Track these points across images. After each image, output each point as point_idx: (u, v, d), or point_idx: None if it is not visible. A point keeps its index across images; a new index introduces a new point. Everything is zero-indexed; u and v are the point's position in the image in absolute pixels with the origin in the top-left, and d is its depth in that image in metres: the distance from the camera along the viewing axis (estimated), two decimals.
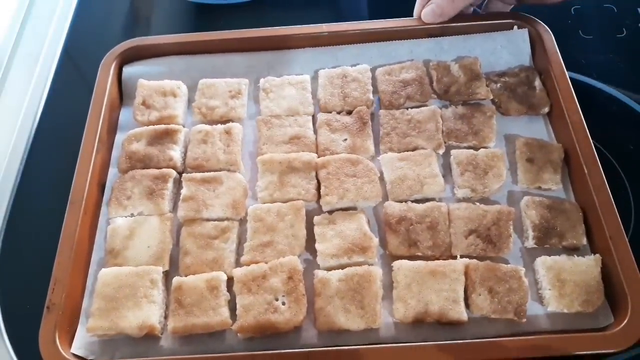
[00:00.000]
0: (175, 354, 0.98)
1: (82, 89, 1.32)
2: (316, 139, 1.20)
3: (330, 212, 1.10)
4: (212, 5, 1.56)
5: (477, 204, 1.09)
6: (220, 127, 1.21)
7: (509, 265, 1.02)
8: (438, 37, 1.31)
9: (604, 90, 1.33)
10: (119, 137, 1.24)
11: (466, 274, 1.01)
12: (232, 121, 1.24)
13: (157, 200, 1.12)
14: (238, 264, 1.07)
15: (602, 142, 1.20)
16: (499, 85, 1.25)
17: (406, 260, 1.02)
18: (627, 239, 1.00)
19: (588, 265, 1.00)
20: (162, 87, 1.27)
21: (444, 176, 1.13)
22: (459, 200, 1.12)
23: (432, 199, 1.11)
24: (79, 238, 1.06)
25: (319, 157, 1.16)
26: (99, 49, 1.33)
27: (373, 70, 1.28)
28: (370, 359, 0.93)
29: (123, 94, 1.31)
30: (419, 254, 1.04)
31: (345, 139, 1.19)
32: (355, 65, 1.29)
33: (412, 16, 1.31)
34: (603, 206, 1.03)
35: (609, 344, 0.92)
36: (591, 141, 1.10)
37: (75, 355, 0.97)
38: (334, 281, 1.00)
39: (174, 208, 1.15)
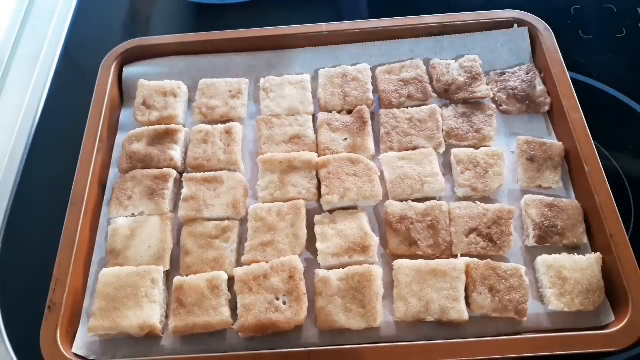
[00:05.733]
0: (176, 354, 0.99)
1: (82, 89, 1.31)
2: (316, 138, 1.20)
3: (331, 211, 1.10)
4: (212, 5, 1.56)
5: (478, 202, 1.09)
6: (220, 126, 1.22)
7: (509, 264, 1.02)
8: (438, 36, 1.31)
9: (604, 90, 1.33)
10: (120, 138, 1.25)
11: (467, 272, 1.01)
12: (233, 121, 1.24)
13: (157, 200, 1.12)
14: (239, 263, 1.07)
15: (602, 142, 1.20)
16: (499, 83, 1.25)
17: (407, 260, 1.02)
18: (627, 238, 1.00)
19: (589, 263, 1.00)
20: (163, 87, 1.27)
21: (444, 175, 1.13)
22: (460, 199, 1.12)
23: (433, 198, 1.12)
24: (80, 238, 1.07)
25: (319, 157, 1.16)
26: (99, 49, 1.33)
27: (373, 69, 1.29)
28: (371, 358, 0.93)
29: (124, 94, 1.31)
30: (420, 253, 1.04)
31: (346, 139, 1.19)
32: (355, 65, 1.29)
33: (412, 15, 1.31)
34: (604, 205, 1.03)
35: (610, 343, 0.92)
36: (592, 139, 1.11)
37: (76, 355, 0.98)
38: (334, 280, 1.00)
39: (175, 208, 1.15)
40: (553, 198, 1.09)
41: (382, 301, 0.99)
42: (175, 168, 1.18)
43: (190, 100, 1.29)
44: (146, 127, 1.22)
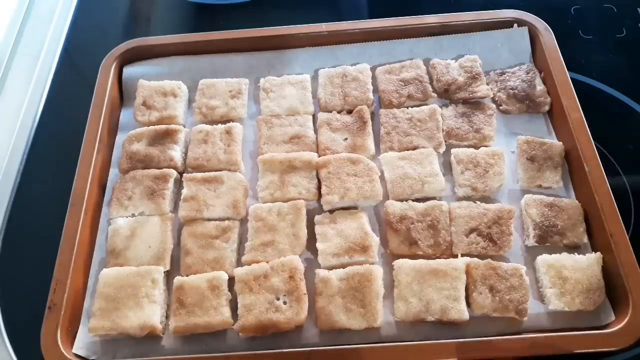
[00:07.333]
0: (176, 354, 0.99)
1: (82, 89, 1.32)
2: (317, 138, 1.20)
3: (331, 211, 1.10)
4: (212, 5, 1.56)
5: (478, 202, 1.09)
6: (220, 127, 1.22)
7: (509, 263, 1.02)
8: (438, 36, 1.31)
9: (604, 90, 1.33)
10: (120, 138, 1.25)
11: (467, 272, 1.01)
12: (233, 121, 1.24)
13: (158, 200, 1.12)
14: (239, 263, 1.07)
15: (602, 142, 1.20)
16: (499, 83, 1.25)
17: (407, 259, 1.02)
18: (627, 237, 1.00)
19: (589, 263, 1.00)
20: (163, 87, 1.27)
21: (444, 175, 1.13)
22: (460, 199, 1.12)
23: (433, 198, 1.12)
24: (80, 238, 1.06)
25: (319, 157, 1.16)
26: (99, 49, 1.33)
27: (373, 69, 1.29)
28: (371, 358, 0.93)
29: (123, 94, 1.31)
30: (420, 252, 1.04)
31: (346, 138, 1.19)
32: (355, 65, 1.29)
33: (412, 15, 1.31)
34: (604, 204, 1.03)
35: (610, 342, 0.92)
36: (591, 139, 1.11)
37: (77, 356, 0.98)
38: (335, 280, 1.00)
39: (175, 208, 1.15)
40: (553, 198, 1.09)
41: (382, 301, 0.99)
42: (175, 168, 1.18)
43: (190, 100, 1.29)
44: (146, 127, 1.22)
